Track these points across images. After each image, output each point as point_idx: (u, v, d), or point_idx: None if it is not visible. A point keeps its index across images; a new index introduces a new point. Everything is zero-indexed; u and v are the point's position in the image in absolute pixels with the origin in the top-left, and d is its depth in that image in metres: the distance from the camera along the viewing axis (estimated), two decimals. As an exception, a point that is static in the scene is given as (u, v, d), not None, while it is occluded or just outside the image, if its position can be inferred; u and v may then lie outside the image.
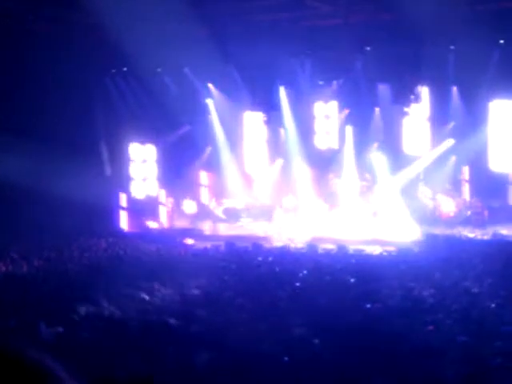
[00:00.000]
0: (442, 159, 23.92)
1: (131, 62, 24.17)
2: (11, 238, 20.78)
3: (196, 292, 15.10)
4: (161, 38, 22.31)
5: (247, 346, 11.80)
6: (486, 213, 22.64)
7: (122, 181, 25.20)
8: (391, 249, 19.75)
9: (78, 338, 12.22)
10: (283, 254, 19.62)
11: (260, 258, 18.68)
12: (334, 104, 25.12)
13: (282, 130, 25.93)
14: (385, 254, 19.41)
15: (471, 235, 20.92)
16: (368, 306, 13.26)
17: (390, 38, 21.82)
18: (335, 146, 25.41)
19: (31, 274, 17.19)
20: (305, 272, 16.46)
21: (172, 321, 13.23)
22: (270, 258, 18.66)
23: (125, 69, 25.00)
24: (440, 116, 23.83)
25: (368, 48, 22.89)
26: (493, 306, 12.68)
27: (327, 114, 25.28)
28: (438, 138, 24.13)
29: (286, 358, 11.47)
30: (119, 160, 25.38)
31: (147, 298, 14.70)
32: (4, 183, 20.08)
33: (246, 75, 24.55)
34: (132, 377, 4.84)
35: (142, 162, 25.57)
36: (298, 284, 15.50)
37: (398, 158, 24.15)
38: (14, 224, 21.11)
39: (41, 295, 14.81)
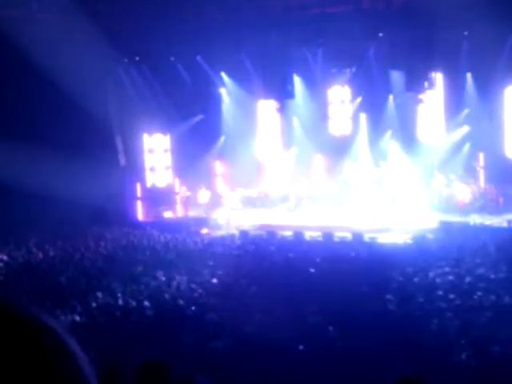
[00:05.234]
0: (456, 146, 23.79)
1: (144, 52, 24.23)
2: (28, 229, 20.97)
3: (211, 280, 15.18)
4: (173, 27, 22.33)
5: (262, 333, 11.87)
6: (501, 200, 22.51)
7: (136, 171, 25.29)
8: (406, 236, 19.71)
9: (94, 326, 12.34)
10: (298, 242, 19.64)
11: (274, 247, 18.71)
12: (347, 90, 25.05)
13: (295, 118, 25.89)
14: (400, 241, 19.39)
15: (486, 222, 20.81)
16: (383, 293, 13.27)
17: (403, 24, 21.68)
18: (349, 131, 25.36)
19: (48, 264, 17.35)
20: (319, 260, 16.48)
21: (188, 309, 13.33)
22: (285, 247, 18.68)
23: (137, 58, 25.03)
24: (454, 103, 23.69)
25: (381, 34, 22.76)
26: (508, 292, 12.65)
27: (341, 99, 25.22)
28: (452, 124, 24.01)
29: (300, 347, 11.54)
30: (134, 150, 25.46)
31: (163, 286, 14.80)
32: (20, 176, 20.23)
33: (259, 64, 24.51)
34: (145, 363, 4.89)
35: (156, 151, 25.63)
36: (312, 271, 15.54)
37: (412, 145, 24.05)
38: (30, 216, 21.28)
39: (57, 284, 14.95)
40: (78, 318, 12.12)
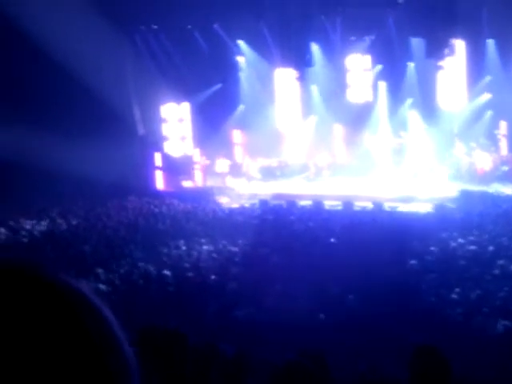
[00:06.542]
0: (477, 114, 23.52)
1: (161, 20, 24.06)
2: (51, 202, 21.19)
3: (232, 249, 15.29)
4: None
5: (283, 302, 11.97)
6: (522, 168, 22.32)
7: (155, 140, 25.32)
8: (427, 205, 19.65)
9: (116, 294, 12.51)
10: (318, 211, 19.65)
11: (294, 216, 18.75)
12: (366, 58, 24.77)
13: (314, 87, 25.69)
14: (420, 210, 19.34)
15: (507, 191, 20.67)
16: (404, 261, 13.30)
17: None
18: (368, 100, 25.14)
19: (71, 233, 17.56)
20: (339, 229, 16.51)
21: (209, 278, 13.45)
22: (305, 216, 18.72)
23: (155, 26, 24.89)
24: (476, 70, 23.35)
25: (400, 1, 22.41)
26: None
27: (360, 67, 24.97)
28: (473, 92, 23.70)
29: (321, 315, 11.64)
30: (152, 120, 25.45)
31: (184, 255, 14.93)
32: (41, 150, 20.36)
33: (277, 32, 24.26)
34: (168, 331, 4.96)
35: (175, 121, 25.61)
36: (332, 240, 15.58)
37: (432, 114, 23.81)
38: (53, 189, 21.46)
39: (81, 253, 15.14)
40: (102, 286, 12.29)
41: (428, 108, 23.81)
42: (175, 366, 4.68)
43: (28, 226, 18.34)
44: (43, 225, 18.62)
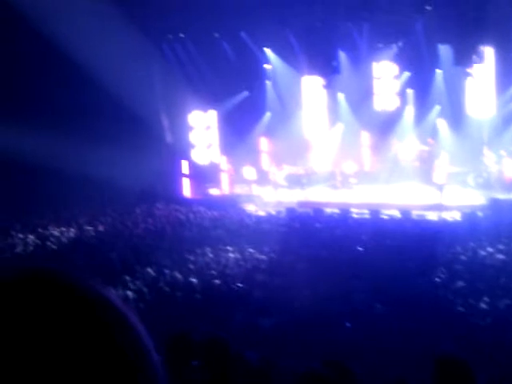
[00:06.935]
0: (507, 122, 23.25)
1: (188, 28, 24.22)
2: (80, 209, 21.42)
3: (259, 257, 15.29)
4: (217, 2, 22.21)
5: (309, 310, 11.93)
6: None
7: (183, 148, 25.47)
8: (455, 214, 19.46)
9: (144, 302, 12.58)
10: (345, 219, 19.57)
11: (321, 224, 18.69)
12: (394, 65, 24.65)
13: (340, 94, 25.64)
14: (448, 219, 19.15)
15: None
16: (431, 270, 13.18)
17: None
18: (395, 108, 25.01)
19: (98, 240, 17.71)
20: (366, 237, 16.42)
21: (235, 285, 13.46)
22: (331, 224, 18.65)
23: (182, 35, 25.07)
24: (505, 77, 23.08)
25: (428, 8, 22.28)
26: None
27: (387, 73, 24.85)
28: (502, 99, 23.44)
29: (347, 323, 11.57)
30: (180, 127, 25.62)
31: (210, 262, 14.96)
32: (71, 158, 20.63)
33: (304, 39, 24.28)
34: (205, 338, 4.98)
35: (202, 128, 25.74)
36: (359, 248, 15.51)
37: (460, 121, 23.60)
38: (81, 196, 21.70)
39: (108, 260, 15.25)
40: (130, 294, 12.36)
41: (456, 115, 23.61)
42: (214, 373, 4.69)
43: (57, 233, 18.56)
44: (72, 232, 18.82)
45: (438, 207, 20.50)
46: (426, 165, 23.57)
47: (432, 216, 19.52)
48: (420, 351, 9.33)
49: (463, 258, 14.02)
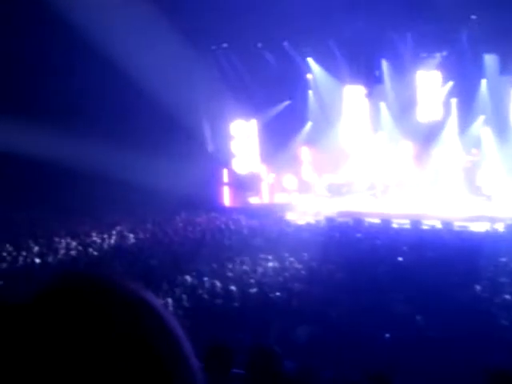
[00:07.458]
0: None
1: (231, 38, 24.40)
2: (120, 216, 21.70)
3: (298, 266, 15.23)
4: (261, 13, 22.32)
5: (348, 320, 11.82)
6: None
7: (224, 157, 25.60)
8: (498, 225, 19.09)
9: (183, 309, 12.64)
10: (385, 229, 19.39)
11: (361, 234, 18.54)
12: (437, 74, 24.36)
13: (382, 104, 25.45)
14: (492, 230, 18.80)
15: None
16: (473, 282, 12.94)
17: (498, 4, 20.83)
18: (438, 117, 24.69)
19: (138, 247, 17.88)
20: (407, 248, 16.22)
21: (273, 294, 13.43)
22: (371, 234, 18.49)
23: (225, 45, 25.26)
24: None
25: (473, 17, 21.99)
26: None
27: (431, 83, 24.57)
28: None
29: (387, 335, 11.42)
30: (221, 136, 25.78)
31: (249, 271, 14.96)
32: (112, 166, 20.92)
33: (346, 49, 24.21)
34: (248, 346, 4.96)
35: (243, 138, 25.84)
36: (400, 259, 15.32)
37: (505, 131, 23.19)
38: (122, 203, 21.99)
39: (148, 267, 15.37)
40: (170, 301, 12.43)
41: (501, 125, 23.20)
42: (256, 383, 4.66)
43: (98, 240, 18.81)
44: (113, 238, 19.05)
45: (481, 218, 20.14)
46: (469, 175, 23.21)
47: (474, 227, 19.18)
48: (462, 365, 9.16)
49: (507, 270, 13.73)
